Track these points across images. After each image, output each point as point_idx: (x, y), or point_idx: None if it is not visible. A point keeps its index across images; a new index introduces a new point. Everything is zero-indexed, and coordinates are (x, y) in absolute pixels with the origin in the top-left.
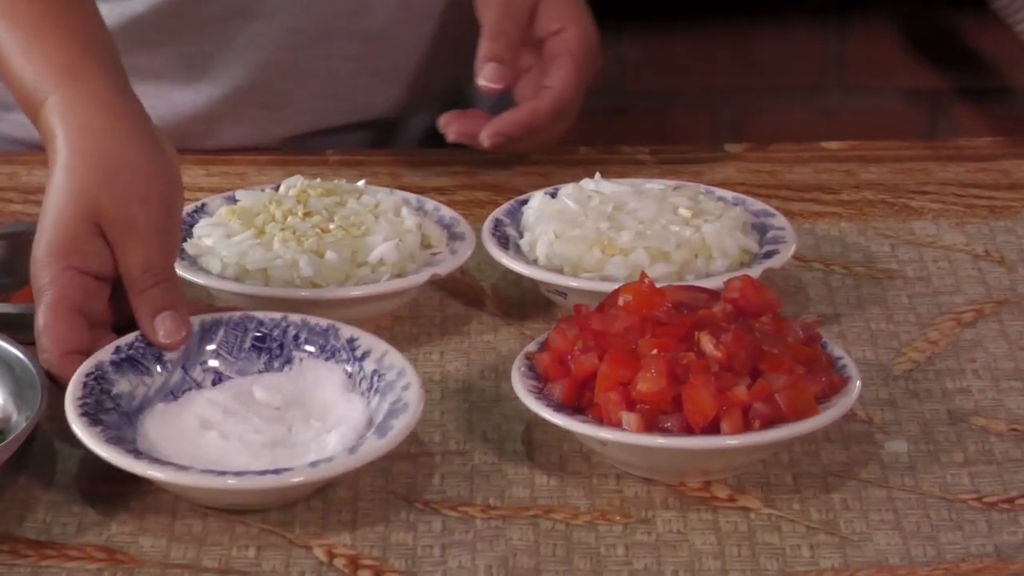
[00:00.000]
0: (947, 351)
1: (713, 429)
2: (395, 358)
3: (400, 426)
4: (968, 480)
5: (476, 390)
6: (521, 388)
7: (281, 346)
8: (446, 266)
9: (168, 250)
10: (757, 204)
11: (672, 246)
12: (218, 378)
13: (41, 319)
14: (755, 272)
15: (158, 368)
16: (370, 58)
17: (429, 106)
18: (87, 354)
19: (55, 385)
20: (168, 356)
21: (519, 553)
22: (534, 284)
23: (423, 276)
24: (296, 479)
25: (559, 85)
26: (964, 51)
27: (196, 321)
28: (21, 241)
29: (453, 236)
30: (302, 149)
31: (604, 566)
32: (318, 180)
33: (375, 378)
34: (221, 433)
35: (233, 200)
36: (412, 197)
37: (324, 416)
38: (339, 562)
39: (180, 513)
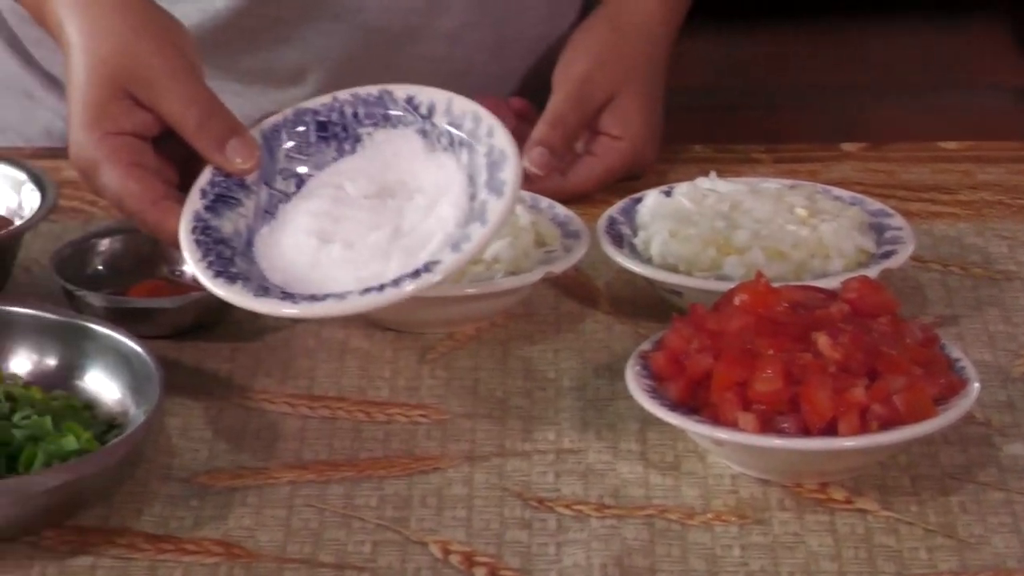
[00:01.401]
0: None
1: (830, 430)
2: (464, 104)
3: (510, 177)
4: None
5: (590, 388)
6: (636, 387)
7: (344, 128)
8: (560, 264)
9: (203, 86)
10: (874, 204)
11: (789, 245)
12: (300, 181)
13: (111, 186)
14: (873, 272)
15: (245, 195)
16: (447, 59)
17: None
18: (173, 200)
19: (164, 241)
20: (250, 179)
21: (634, 552)
22: (648, 283)
23: (537, 274)
24: (446, 266)
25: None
26: None
27: (256, 133)
28: (138, 235)
29: (568, 234)
30: None
31: (720, 567)
32: None
33: (452, 131)
34: (343, 242)
35: None
36: (526, 195)
37: (423, 189)
38: (454, 559)
39: (296, 508)
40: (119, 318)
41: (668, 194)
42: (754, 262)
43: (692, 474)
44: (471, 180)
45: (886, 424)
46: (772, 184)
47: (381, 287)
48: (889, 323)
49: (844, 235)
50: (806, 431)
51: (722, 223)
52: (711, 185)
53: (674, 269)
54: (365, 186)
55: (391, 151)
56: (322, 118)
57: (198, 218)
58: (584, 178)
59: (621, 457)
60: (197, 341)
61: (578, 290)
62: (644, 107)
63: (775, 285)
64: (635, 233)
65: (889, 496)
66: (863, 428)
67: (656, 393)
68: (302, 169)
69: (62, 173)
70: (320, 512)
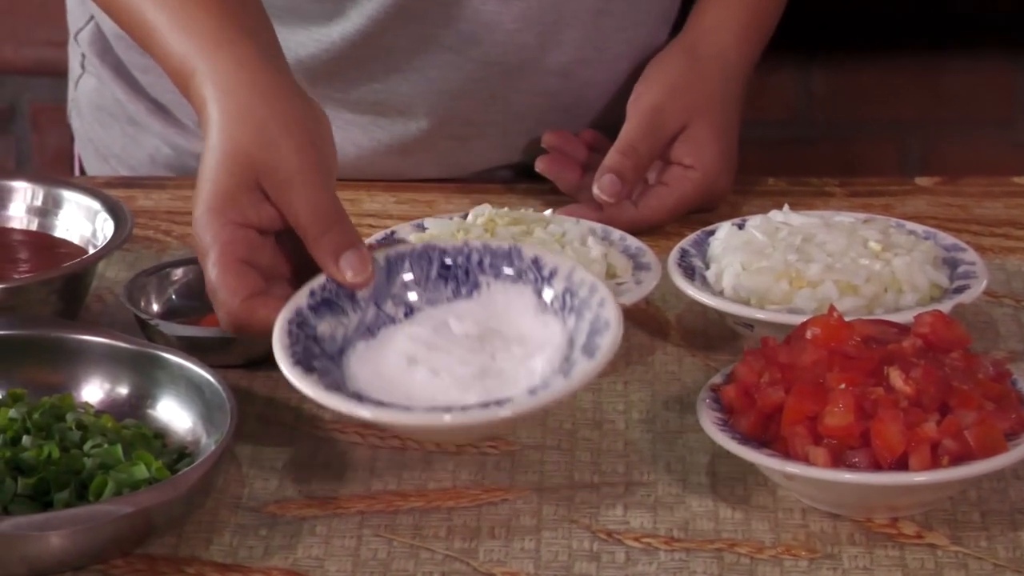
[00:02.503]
0: None
1: (901, 465)
2: (584, 275)
3: (607, 343)
4: None
5: (660, 420)
6: (706, 420)
7: (467, 272)
8: (631, 296)
9: (333, 193)
10: (948, 238)
11: (861, 279)
12: (409, 310)
13: (212, 275)
14: (946, 307)
15: (352, 307)
16: (560, 93)
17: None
18: (267, 295)
19: (244, 336)
20: (360, 294)
21: None
22: (720, 315)
23: None
24: (517, 410)
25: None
26: None
27: (381, 256)
28: None
29: (639, 266)
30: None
31: None
32: (506, 209)
33: (567, 297)
34: (430, 369)
35: (422, 228)
36: (598, 227)
37: (523, 341)
38: None
39: (365, 538)
40: (191, 347)
41: (740, 227)
42: (826, 296)
43: (762, 508)
44: (570, 342)
45: (957, 459)
46: (846, 218)
47: (448, 408)
48: (961, 358)
49: (917, 269)
50: (877, 465)
51: (794, 256)
52: (784, 218)
53: (746, 302)
54: (469, 327)
55: (504, 303)
56: (448, 258)
57: (299, 312)
58: (655, 208)
59: (690, 490)
60: (269, 371)
61: (649, 322)
62: (718, 138)
63: (847, 319)
64: (707, 265)
65: (959, 531)
66: (934, 463)
67: (727, 426)
68: (414, 299)
69: (137, 202)
70: (389, 542)
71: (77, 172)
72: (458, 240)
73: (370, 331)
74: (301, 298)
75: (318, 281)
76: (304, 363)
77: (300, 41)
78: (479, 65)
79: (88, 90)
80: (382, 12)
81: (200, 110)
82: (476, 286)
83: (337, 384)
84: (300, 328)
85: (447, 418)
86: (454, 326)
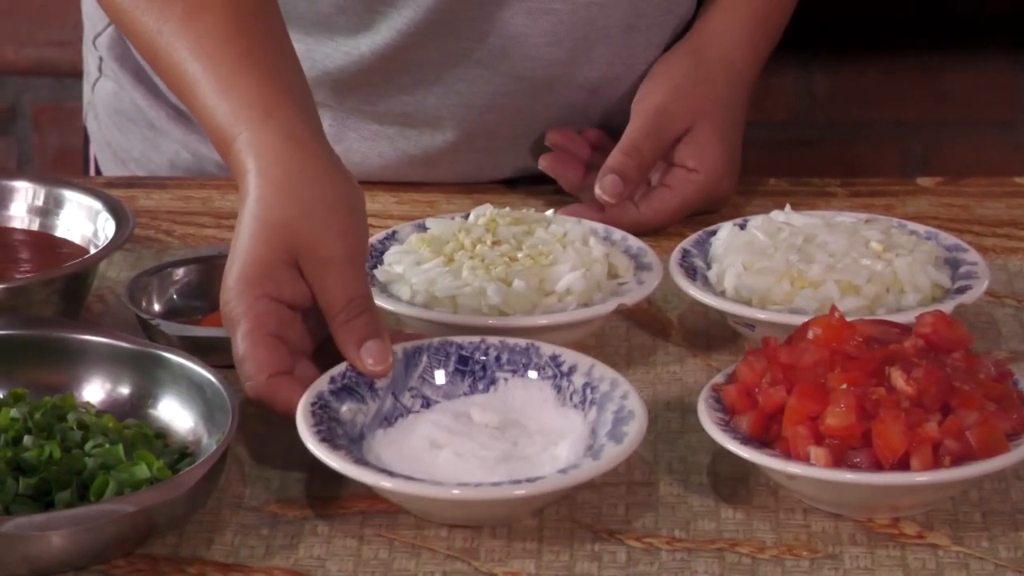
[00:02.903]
0: None
1: (903, 465)
2: (604, 370)
3: (634, 431)
4: None
5: (662, 421)
6: (708, 420)
7: (484, 368)
8: (633, 296)
9: (366, 280)
10: (949, 238)
11: (863, 280)
12: (426, 403)
13: (240, 347)
14: (947, 307)
15: (371, 396)
16: (584, 108)
17: None
18: (291, 375)
19: (267, 410)
20: (379, 384)
21: None
22: (721, 316)
23: (610, 306)
24: (548, 487)
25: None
26: None
27: (399, 349)
28: (213, 265)
29: (640, 266)
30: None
31: None
32: (507, 209)
33: (587, 391)
34: (454, 452)
35: (423, 228)
36: (599, 227)
37: (545, 431)
38: None
39: (367, 538)
40: (193, 347)
41: (742, 227)
42: (828, 296)
43: (763, 508)
44: (593, 433)
45: (958, 459)
46: (847, 218)
47: (477, 484)
48: (963, 358)
49: (919, 270)
50: (878, 466)
51: (796, 256)
52: (786, 218)
53: (747, 302)
54: (490, 417)
55: (523, 398)
56: (465, 353)
57: (320, 396)
58: (657, 210)
59: (692, 490)
60: None
61: (650, 322)
62: (721, 140)
63: (849, 319)
64: (708, 266)
65: (960, 531)
66: (935, 463)
67: (728, 426)
68: (430, 394)
69: (138, 202)
70: (390, 542)
71: (92, 173)
72: (475, 338)
73: (388, 420)
74: (322, 383)
75: (338, 369)
76: (330, 440)
77: (327, 53)
78: (508, 80)
79: (106, 94)
80: (412, 26)
81: (240, 175)
82: (493, 382)
83: (365, 463)
84: (322, 410)
85: (477, 491)
86: (475, 415)
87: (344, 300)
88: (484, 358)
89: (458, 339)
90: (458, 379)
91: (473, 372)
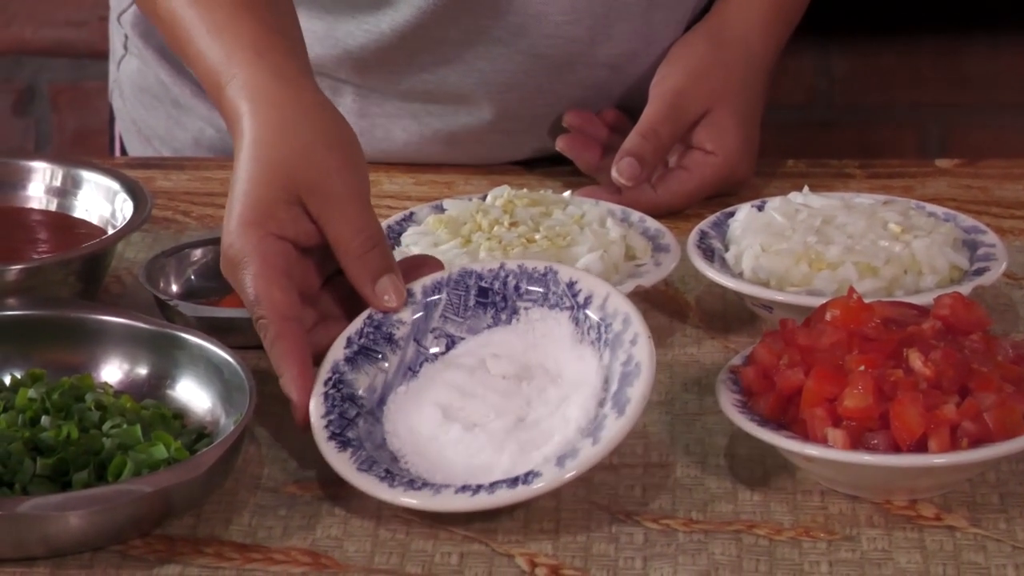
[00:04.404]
0: None
1: (920, 447)
2: (618, 303)
3: (636, 396)
4: None
5: (679, 402)
6: (725, 401)
7: (504, 298)
8: (650, 278)
9: (374, 216)
10: (968, 220)
11: (881, 261)
12: (451, 342)
13: (251, 288)
14: (965, 289)
15: (391, 349)
16: (606, 85)
17: None
18: (302, 324)
19: (279, 353)
20: (398, 334)
21: (721, 567)
22: (739, 297)
23: (627, 287)
24: (545, 484)
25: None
26: None
27: (417, 287)
28: None
29: (658, 248)
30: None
31: None
32: (524, 190)
33: (601, 328)
34: (464, 424)
35: (441, 209)
36: (617, 208)
37: (559, 379)
38: (541, 571)
39: (384, 518)
40: (210, 328)
41: (760, 208)
42: (846, 277)
43: (781, 489)
44: (605, 383)
45: (976, 441)
46: (865, 199)
47: (477, 489)
48: (981, 340)
49: (937, 251)
50: (896, 448)
51: (814, 238)
52: (804, 200)
53: (765, 284)
54: (506, 366)
55: (542, 331)
56: (485, 283)
57: (336, 369)
58: (675, 192)
59: (709, 472)
60: None
61: (668, 304)
62: (740, 123)
63: (867, 301)
64: (726, 247)
65: (978, 513)
66: (953, 445)
67: (745, 408)
68: (454, 331)
69: (156, 183)
70: (407, 523)
71: (118, 152)
72: (494, 263)
73: (412, 371)
74: (338, 349)
75: (355, 327)
76: (340, 435)
77: (349, 30)
78: (528, 58)
79: (131, 71)
80: (431, 4)
81: (232, 118)
82: (515, 312)
83: (371, 454)
84: (336, 388)
85: (475, 500)
86: (492, 366)
87: (354, 234)
88: (504, 287)
89: (476, 267)
90: (480, 312)
91: (495, 304)
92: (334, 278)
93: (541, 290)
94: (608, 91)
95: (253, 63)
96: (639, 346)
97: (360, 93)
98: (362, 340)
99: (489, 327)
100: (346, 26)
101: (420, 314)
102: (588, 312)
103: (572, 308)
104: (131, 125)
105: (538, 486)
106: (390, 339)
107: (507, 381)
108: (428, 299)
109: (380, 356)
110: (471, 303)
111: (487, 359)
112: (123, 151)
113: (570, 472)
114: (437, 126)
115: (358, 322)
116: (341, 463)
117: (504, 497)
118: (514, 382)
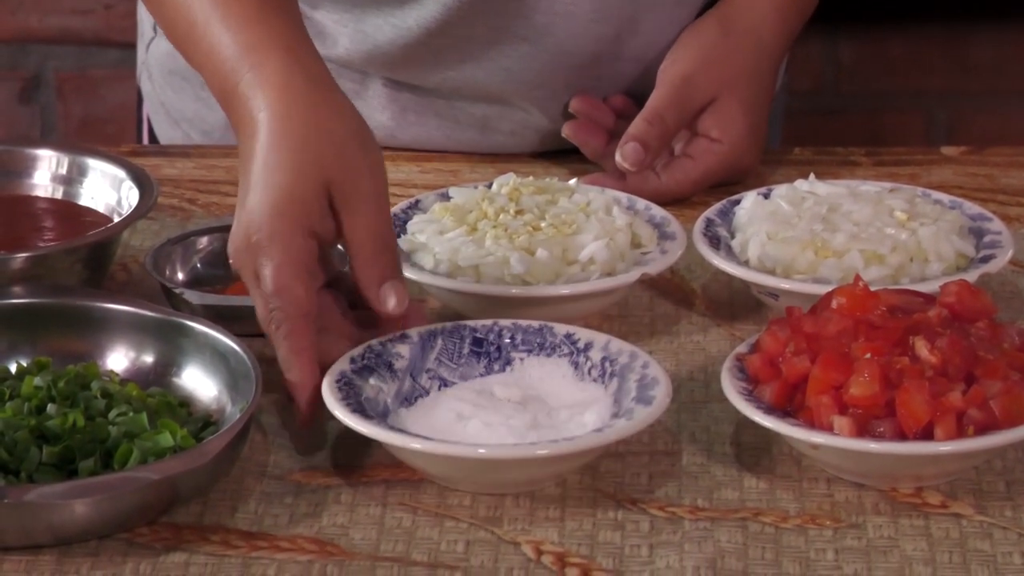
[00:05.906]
0: None
1: (926, 435)
2: (622, 344)
3: (660, 394)
4: None
5: (685, 390)
6: (731, 389)
7: (499, 349)
8: (656, 266)
9: (390, 218)
10: (974, 208)
11: (887, 249)
12: (444, 383)
13: (272, 279)
14: (971, 277)
15: (390, 376)
16: (635, 80)
17: None
18: (314, 328)
19: (291, 349)
20: (397, 365)
21: (727, 555)
22: (745, 285)
23: (633, 275)
24: (584, 445)
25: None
26: None
27: (414, 333)
28: None
29: (664, 236)
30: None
31: (813, 570)
32: (530, 178)
33: (605, 364)
34: (483, 422)
35: (447, 197)
36: (623, 196)
37: (568, 405)
38: (547, 559)
39: (390, 506)
40: (216, 316)
41: (766, 196)
42: (852, 265)
43: (787, 477)
44: (616, 401)
45: (982, 428)
46: (871, 187)
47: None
48: (987, 327)
49: (943, 239)
50: (902, 435)
51: (820, 226)
52: (810, 187)
53: (771, 272)
54: (512, 393)
55: (539, 374)
56: (479, 335)
57: (343, 376)
58: (679, 180)
59: (715, 459)
60: None
61: (674, 292)
62: (746, 112)
63: (873, 288)
64: (732, 235)
65: (984, 501)
66: (959, 432)
67: (751, 396)
68: (447, 375)
69: (162, 171)
70: (413, 511)
71: (146, 135)
72: (487, 321)
73: (407, 400)
74: (344, 363)
75: (358, 350)
76: (360, 411)
77: (377, 25)
78: (554, 56)
79: (160, 54)
80: (457, 1)
81: (250, 109)
82: (509, 362)
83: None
84: (347, 386)
85: (540, 451)
86: (497, 391)
87: (369, 237)
88: (499, 339)
89: (471, 323)
90: (474, 360)
91: (488, 353)
92: (321, 289)
93: (537, 340)
94: (637, 85)
95: (283, 59)
96: (651, 367)
97: (388, 83)
98: (365, 361)
99: (482, 375)
100: (373, 21)
101: (417, 352)
102: (589, 355)
103: (571, 353)
104: (160, 108)
105: (575, 443)
106: (390, 367)
107: (514, 404)
108: (425, 342)
109: (380, 377)
110: (465, 351)
111: (492, 388)
112: (151, 134)
113: (607, 436)
114: (466, 118)
115: (359, 348)
116: (369, 426)
117: (541, 450)
118: (521, 405)
